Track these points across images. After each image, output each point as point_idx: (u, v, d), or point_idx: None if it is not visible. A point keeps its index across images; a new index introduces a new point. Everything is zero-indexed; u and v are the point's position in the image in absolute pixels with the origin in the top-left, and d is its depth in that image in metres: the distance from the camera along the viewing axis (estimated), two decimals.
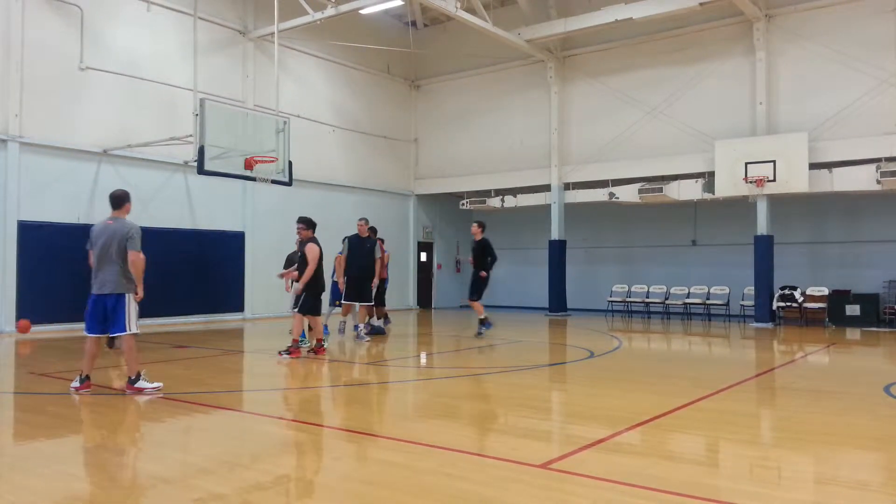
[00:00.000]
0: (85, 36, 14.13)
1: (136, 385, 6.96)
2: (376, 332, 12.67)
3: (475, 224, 13.29)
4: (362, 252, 11.91)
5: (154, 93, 15.18)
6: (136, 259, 6.95)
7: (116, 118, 14.53)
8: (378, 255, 12.10)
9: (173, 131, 14.08)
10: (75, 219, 13.75)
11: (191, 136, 12.81)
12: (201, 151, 12.22)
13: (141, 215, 15.03)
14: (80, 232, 13.35)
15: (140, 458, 4.95)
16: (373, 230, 12.59)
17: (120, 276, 6.92)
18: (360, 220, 12.27)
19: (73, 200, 13.83)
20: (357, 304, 11.92)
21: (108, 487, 4.19)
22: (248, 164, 12.85)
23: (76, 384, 6.95)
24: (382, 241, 13.15)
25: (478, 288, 12.82)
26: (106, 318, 6.90)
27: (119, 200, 7.26)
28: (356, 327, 11.91)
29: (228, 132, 12.67)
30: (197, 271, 15.65)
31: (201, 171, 12.34)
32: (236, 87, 16.88)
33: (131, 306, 6.94)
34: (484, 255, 12.83)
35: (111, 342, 11.52)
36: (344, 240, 12.15)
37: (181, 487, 4.13)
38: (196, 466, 4.63)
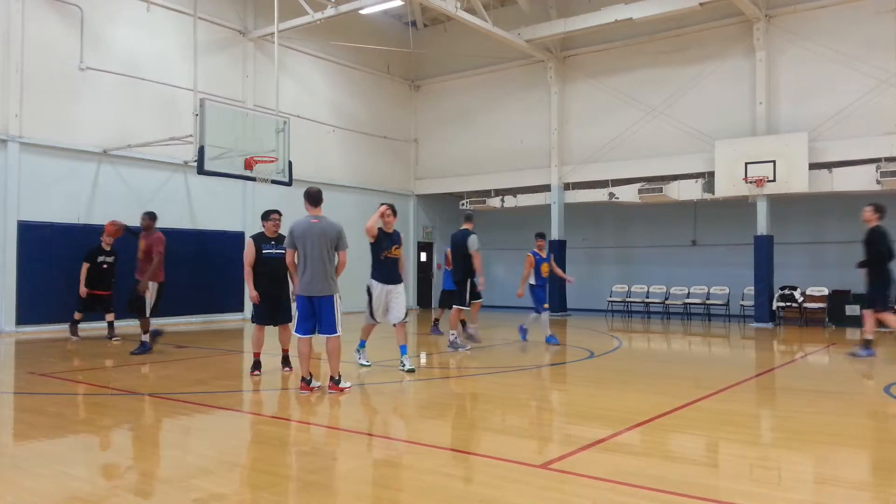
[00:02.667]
0: (85, 36, 14.13)
1: (339, 385, 7.01)
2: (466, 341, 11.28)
3: (870, 208, 10.26)
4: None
5: (154, 93, 15.18)
6: (344, 259, 7.12)
7: (116, 118, 14.52)
8: (474, 247, 10.60)
9: (173, 131, 14.07)
10: (75, 219, 13.75)
11: (191, 136, 12.81)
12: (201, 151, 12.22)
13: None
14: (80, 232, 13.47)
15: (140, 458, 4.95)
16: (468, 217, 11.12)
17: (329, 277, 6.93)
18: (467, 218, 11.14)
19: (73, 200, 13.83)
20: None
21: (108, 488, 4.19)
22: (248, 165, 12.85)
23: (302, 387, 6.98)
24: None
25: (880, 294, 9.83)
26: (314, 318, 6.95)
27: (319, 197, 7.10)
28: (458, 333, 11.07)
29: (228, 132, 12.67)
30: (197, 271, 15.64)
31: (201, 171, 12.34)
32: (236, 87, 16.88)
33: (339, 308, 6.99)
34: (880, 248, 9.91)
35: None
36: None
37: (181, 488, 4.12)
38: (196, 466, 4.63)
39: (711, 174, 16.65)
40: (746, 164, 15.81)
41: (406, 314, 8.40)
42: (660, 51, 17.89)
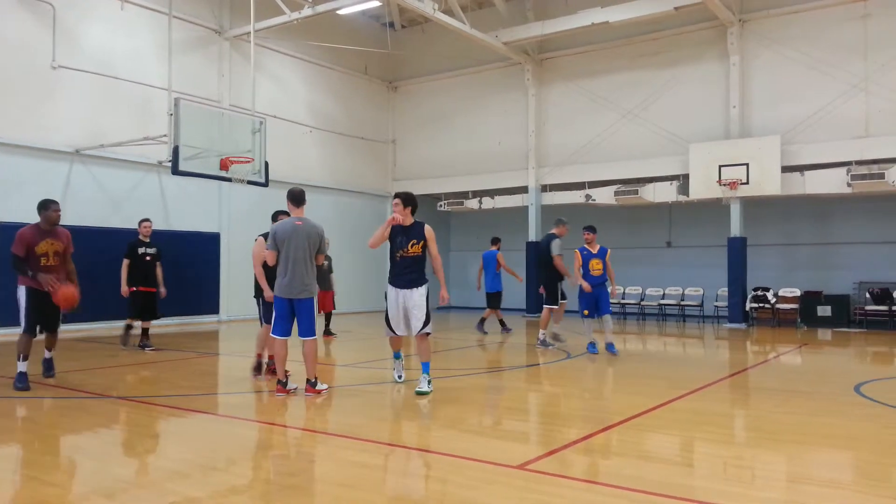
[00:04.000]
0: (57, 34, 13.91)
1: (315, 388, 6.98)
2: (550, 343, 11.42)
3: None
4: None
5: (128, 92, 14.99)
6: (321, 262, 7.15)
7: (89, 117, 14.31)
8: (555, 252, 11.10)
9: (147, 131, 13.90)
10: None
11: (165, 135, 12.67)
12: (176, 151, 12.09)
13: (113, 216, 14.90)
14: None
15: (113, 462, 4.88)
16: (558, 223, 11.64)
17: (312, 279, 6.94)
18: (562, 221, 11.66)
19: None
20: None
21: (81, 493, 4.13)
22: (224, 165, 12.74)
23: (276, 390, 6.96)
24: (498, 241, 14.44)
25: None
26: (292, 320, 6.94)
27: (302, 198, 7.08)
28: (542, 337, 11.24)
29: (203, 132, 12.55)
30: (172, 273, 15.39)
31: (176, 171, 12.21)
32: (212, 86, 16.73)
33: (315, 310, 7.01)
34: None
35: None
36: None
37: (155, 491, 4.08)
38: (170, 470, 4.58)
39: (686, 177, 16.84)
40: (720, 166, 16.01)
41: (428, 324, 7.13)
42: (636, 54, 18.05)
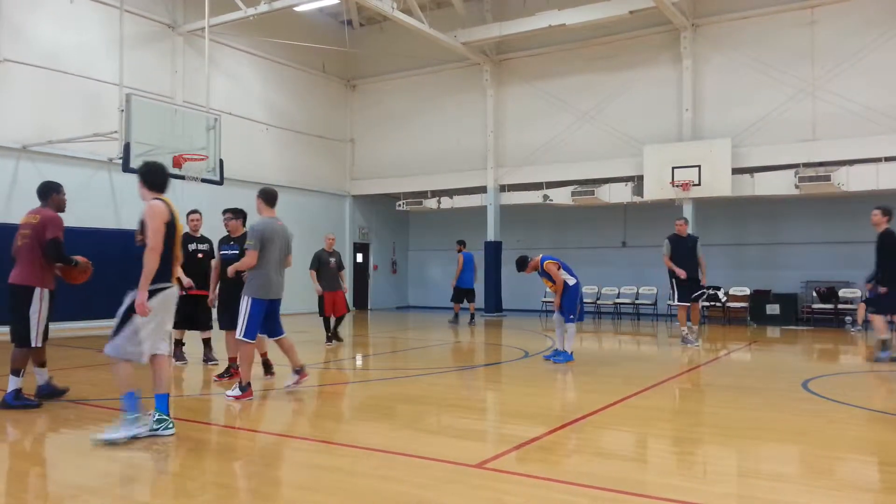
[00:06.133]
0: (3, 27, 13.47)
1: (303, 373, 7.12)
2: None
3: (878, 211, 9.55)
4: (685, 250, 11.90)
5: (77, 87, 14.59)
6: (290, 264, 7.10)
7: (37, 113, 13.90)
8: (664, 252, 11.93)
9: (97, 127, 13.57)
10: None
11: (116, 132, 12.41)
12: (127, 148, 11.84)
13: (64, 214, 14.48)
14: None
15: (63, 468, 4.74)
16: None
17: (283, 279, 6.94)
18: (680, 220, 12.34)
19: None
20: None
21: (31, 500, 4.00)
22: (177, 162, 12.51)
23: (235, 392, 6.74)
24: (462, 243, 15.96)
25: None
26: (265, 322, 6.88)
27: (276, 198, 7.00)
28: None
29: (156, 129, 12.32)
30: (123, 272, 15.01)
31: (127, 168, 11.94)
32: (164, 82, 16.39)
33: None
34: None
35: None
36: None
37: (107, 497, 3.98)
38: (122, 475, 4.47)
39: (640, 178, 17.12)
40: (673, 168, 16.33)
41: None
42: (592, 57, 18.29)
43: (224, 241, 8.11)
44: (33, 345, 6.33)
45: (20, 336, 6.29)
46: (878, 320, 9.71)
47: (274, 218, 6.93)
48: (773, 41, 16.07)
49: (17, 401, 6.19)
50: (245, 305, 6.71)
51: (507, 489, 4.11)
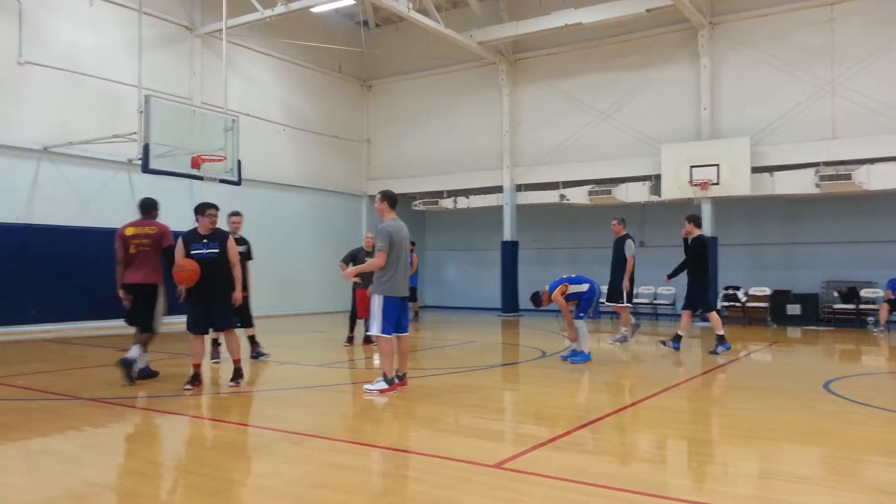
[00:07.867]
0: (24, 30, 13.64)
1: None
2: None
3: (690, 221, 11.41)
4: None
5: (97, 89, 14.74)
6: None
7: (57, 115, 14.05)
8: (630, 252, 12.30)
9: (117, 129, 13.69)
10: (14, 218, 13.23)
11: (135, 133, 12.49)
12: (146, 149, 11.93)
13: (82, 215, 14.65)
14: (18, 231, 12.98)
15: (83, 465, 4.79)
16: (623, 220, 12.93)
17: None
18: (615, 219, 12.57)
19: (11, 199, 13.31)
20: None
21: (48, 497, 4.05)
22: (196, 163, 12.58)
23: (376, 386, 7.00)
24: (413, 244, 14.81)
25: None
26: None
27: (397, 200, 7.37)
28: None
29: (175, 130, 12.38)
30: None
31: (146, 169, 12.04)
32: (183, 84, 16.52)
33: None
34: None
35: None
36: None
37: (126, 494, 4.01)
38: (141, 472, 4.51)
39: (658, 177, 17.01)
40: (691, 167, 16.20)
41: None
42: (608, 55, 18.19)
43: (194, 240, 7.73)
44: (157, 331, 7.82)
45: (146, 324, 7.81)
46: None
47: (397, 219, 7.16)
48: (792, 39, 15.90)
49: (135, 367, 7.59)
50: (378, 303, 7.01)
51: (524, 489, 4.10)
